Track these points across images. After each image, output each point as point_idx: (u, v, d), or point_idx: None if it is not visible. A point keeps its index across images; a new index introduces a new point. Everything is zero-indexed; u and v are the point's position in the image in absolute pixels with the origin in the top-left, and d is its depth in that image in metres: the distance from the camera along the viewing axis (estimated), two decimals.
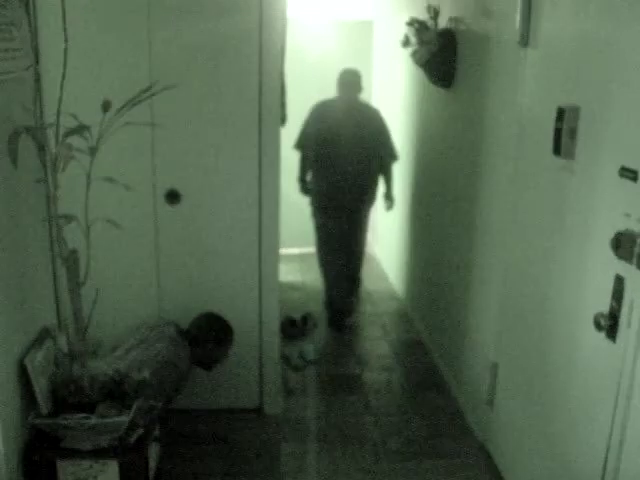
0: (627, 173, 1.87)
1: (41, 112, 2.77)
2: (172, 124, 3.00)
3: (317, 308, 4.88)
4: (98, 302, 3.11)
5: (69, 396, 1.80)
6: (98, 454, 1.86)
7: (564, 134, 2.18)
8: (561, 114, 2.19)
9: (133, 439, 1.88)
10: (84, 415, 1.75)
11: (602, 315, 1.96)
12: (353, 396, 3.64)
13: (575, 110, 2.16)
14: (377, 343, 4.35)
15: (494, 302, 2.99)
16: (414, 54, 3.74)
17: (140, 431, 1.91)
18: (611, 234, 1.90)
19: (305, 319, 4.55)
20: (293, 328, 4.42)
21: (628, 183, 1.86)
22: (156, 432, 2.06)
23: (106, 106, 1.69)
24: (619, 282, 1.91)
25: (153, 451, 2.02)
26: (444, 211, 3.89)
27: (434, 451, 3.13)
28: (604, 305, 1.97)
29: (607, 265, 1.95)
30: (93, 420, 1.75)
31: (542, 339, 2.48)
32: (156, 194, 3.08)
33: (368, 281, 5.57)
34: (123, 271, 3.17)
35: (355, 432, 3.28)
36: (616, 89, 1.97)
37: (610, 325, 1.94)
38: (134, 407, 1.85)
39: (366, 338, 4.44)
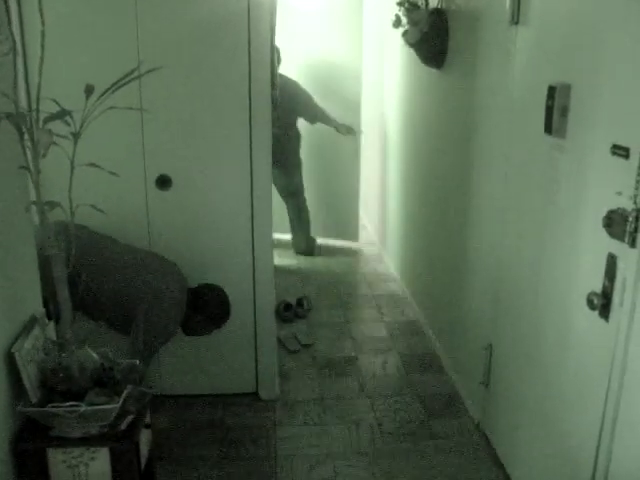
0: (619, 151, 1.85)
1: (29, 98, 2.76)
2: (161, 108, 2.97)
3: (313, 291, 4.87)
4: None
5: (58, 384, 1.79)
6: (88, 441, 1.84)
7: (555, 112, 2.16)
8: (552, 92, 2.17)
9: (123, 426, 1.87)
10: (73, 403, 1.74)
11: (595, 294, 1.95)
12: (349, 378, 3.64)
13: (566, 88, 2.13)
14: (373, 325, 4.35)
15: (488, 283, 2.98)
16: (405, 34, 3.70)
17: (130, 417, 1.90)
18: (603, 212, 1.88)
19: (300, 302, 4.54)
20: (288, 312, 4.41)
21: (620, 161, 1.84)
22: (147, 418, 2.04)
23: (89, 90, 1.66)
24: (611, 260, 1.90)
25: (144, 437, 2.01)
26: (438, 193, 3.87)
27: (430, 432, 3.14)
28: (597, 284, 1.95)
29: (599, 244, 1.94)
30: (82, 408, 1.74)
31: (536, 319, 2.47)
32: (147, 180, 3.06)
33: (365, 263, 5.58)
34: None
35: (351, 414, 3.28)
36: (607, 66, 1.94)
37: (603, 304, 1.93)
38: (124, 394, 1.84)
39: (362, 320, 4.43)
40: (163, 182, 3.07)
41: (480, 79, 3.05)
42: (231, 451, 3.00)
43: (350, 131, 5.42)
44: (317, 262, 5.66)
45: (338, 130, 5.37)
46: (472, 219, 3.21)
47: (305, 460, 2.94)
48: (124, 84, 1.71)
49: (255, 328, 3.32)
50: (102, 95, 1.70)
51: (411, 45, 3.70)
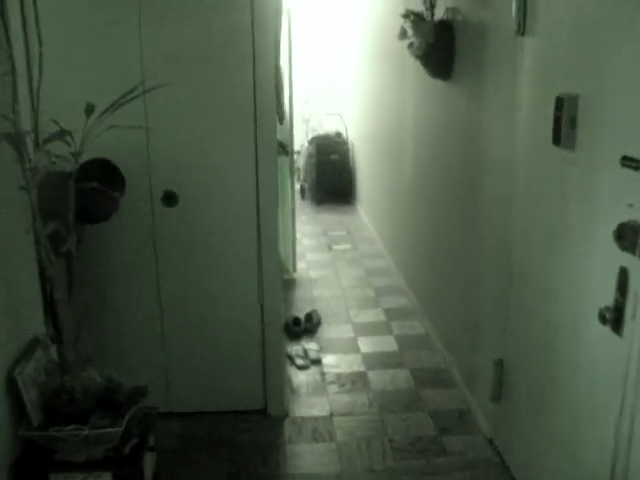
0: (629, 162, 1.81)
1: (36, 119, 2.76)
2: (166, 124, 2.96)
3: (321, 305, 4.85)
4: (98, 308, 3.14)
5: (61, 407, 1.76)
6: (92, 466, 1.81)
7: (563, 124, 2.12)
8: (560, 103, 2.14)
9: (127, 450, 1.84)
10: (76, 426, 1.71)
11: (607, 308, 1.91)
12: (359, 394, 3.60)
13: (574, 99, 2.10)
14: (383, 339, 4.31)
15: (497, 296, 2.94)
16: (411, 46, 3.68)
17: (134, 441, 1.87)
18: (614, 225, 1.84)
19: (309, 317, 4.51)
20: (297, 327, 4.38)
21: (630, 173, 1.80)
22: (151, 441, 2.01)
23: (89, 110, 1.64)
24: (623, 274, 1.86)
25: (149, 460, 1.98)
26: (446, 205, 3.83)
27: (442, 448, 3.09)
28: (608, 298, 1.91)
29: (611, 257, 1.90)
30: (86, 431, 1.72)
31: (546, 333, 2.42)
32: (152, 196, 3.05)
33: (374, 277, 5.55)
34: (122, 275, 3.14)
35: (362, 431, 3.24)
36: (615, 76, 1.91)
37: (615, 318, 1.89)
38: (127, 416, 1.81)
39: (372, 334, 4.39)
40: (169, 198, 3.05)
41: (487, 90, 3.03)
42: (240, 470, 2.96)
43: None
44: (327, 274, 5.64)
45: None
46: (481, 231, 3.17)
47: (315, 478, 2.89)
48: (124, 103, 1.69)
49: (263, 344, 3.29)
50: (103, 114, 1.68)
51: (417, 57, 3.68)
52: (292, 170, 5.49)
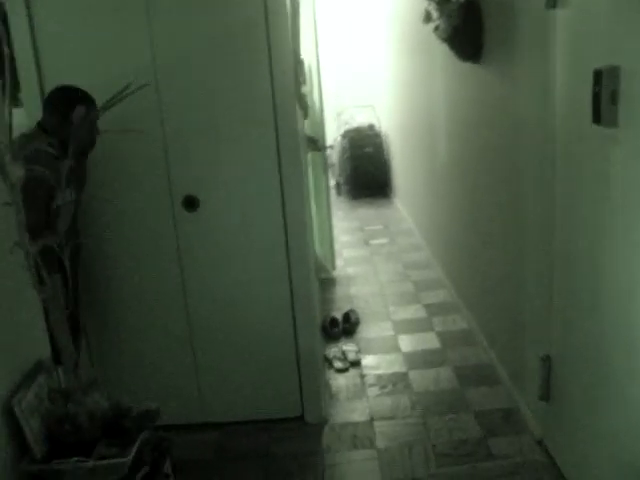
0: None
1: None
2: (185, 125, 2.86)
3: (360, 304, 4.70)
4: (122, 319, 3.05)
5: (65, 436, 1.65)
6: None
7: (603, 99, 1.93)
8: (598, 77, 1.95)
9: (138, 479, 1.72)
10: (80, 458, 1.60)
11: None
12: (400, 396, 3.44)
13: (615, 70, 1.90)
14: (424, 336, 4.14)
15: (542, 288, 2.75)
16: (437, 29, 3.51)
17: (146, 469, 1.74)
18: None
19: (347, 317, 4.36)
20: (335, 328, 4.24)
21: None
22: (166, 467, 1.88)
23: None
24: None
25: None
26: (484, 191, 3.65)
27: (488, 452, 2.91)
28: None
29: None
30: (91, 463, 1.60)
31: (597, 327, 2.23)
32: (173, 201, 2.94)
33: (413, 271, 5.38)
34: (147, 285, 3.05)
35: (403, 436, 3.08)
36: None
37: None
38: (137, 444, 1.68)
39: (413, 332, 4.23)
40: (190, 203, 2.94)
41: (519, 70, 2.83)
42: None
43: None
44: (365, 270, 5.50)
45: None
46: (521, 217, 2.98)
47: None
48: (114, 104, 1.57)
49: (297, 347, 3.15)
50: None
51: (444, 40, 3.50)
52: (326, 166, 5.35)
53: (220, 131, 2.88)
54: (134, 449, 1.68)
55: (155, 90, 2.79)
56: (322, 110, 5.20)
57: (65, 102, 2.55)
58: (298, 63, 3.15)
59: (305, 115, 3.62)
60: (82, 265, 2.84)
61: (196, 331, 3.10)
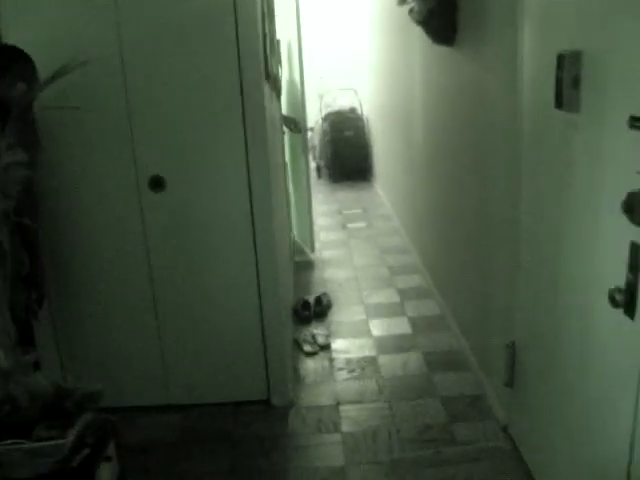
0: (638, 123, 1.60)
1: None
2: (149, 106, 2.80)
3: (333, 287, 4.68)
4: (87, 299, 3.01)
5: (5, 417, 1.62)
6: None
7: (565, 84, 1.91)
8: (561, 61, 1.92)
9: (76, 462, 1.68)
10: (16, 440, 1.57)
11: (617, 290, 1.70)
12: (367, 381, 3.43)
13: (576, 56, 1.88)
14: (395, 321, 4.13)
15: (506, 274, 2.74)
16: (411, 12, 3.46)
17: (86, 452, 1.71)
18: (622, 195, 1.64)
19: (319, 300, 4.34)
20: (306, 311, 4.22)
21: None
22: (109, 450, 1.85)
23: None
24: (635, 250, 1.65)
25: (106, 473, 1.82)
26: (457, 178, 3.63)
27: (452, 437, 2.91)
28: (619, 278, 1.71)
29: (620, 232, 1.69)
30: (27, 444, 1.57)
31: (556, 316, 2.23)
32: (139, 181, 2.89)
33: (389, 255, 5.36)
34: (112, 264, 3.01)
35: (368, 421, 3.07)
36: (622, 28, 1.69)
37: (627, 301, 1.69)
38: (77, 426, 1.65)
39: (384, 316, 4.21)
40: (156, 183, 2.89)
41: (490, 53, 2.80)
42: (241, 463, 2.82)
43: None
44: (340, 253, 5.48)
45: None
46: (490, 205, 2.96)
47: (319, 472, 2.74)
48: (58, 77, 1.52)
49: (263, 330, 3.13)
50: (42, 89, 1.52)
51: (419, 23, 3.46)
52: (306, 148, 5.31)
53: (187, 112, 2.83)
54: (74, 431, 1.65)
55: (121, 70, 2.74)
56: (303, 92, 5.14)
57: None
58: (272, 44, 3.11)
59: (278, 96, 3.58)
60: (46, 243, 2.79)
61: (161, 312, 3.07)
